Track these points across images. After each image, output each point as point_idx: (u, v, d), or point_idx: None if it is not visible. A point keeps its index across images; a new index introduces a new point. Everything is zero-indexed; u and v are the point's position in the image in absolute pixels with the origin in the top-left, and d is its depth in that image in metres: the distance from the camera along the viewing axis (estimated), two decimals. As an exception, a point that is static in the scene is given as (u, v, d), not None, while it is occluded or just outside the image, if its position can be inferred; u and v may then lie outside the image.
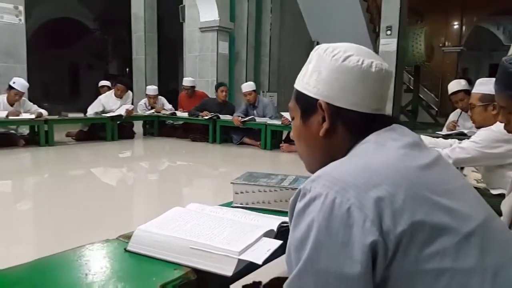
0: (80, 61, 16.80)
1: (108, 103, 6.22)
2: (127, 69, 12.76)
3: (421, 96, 11.38)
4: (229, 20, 8.58)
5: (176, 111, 6.88)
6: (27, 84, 5.28)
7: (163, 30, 11.78)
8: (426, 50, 8.63)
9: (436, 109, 12.59)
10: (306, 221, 0.63)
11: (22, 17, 5.99)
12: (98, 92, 7.05)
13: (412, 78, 10.68)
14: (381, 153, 0.71)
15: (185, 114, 6.60)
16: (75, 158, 5.23)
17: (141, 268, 0.94)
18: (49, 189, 3.69)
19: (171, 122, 6.95)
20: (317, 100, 0.79)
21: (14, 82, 5.13)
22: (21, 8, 5.95)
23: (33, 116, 5.24)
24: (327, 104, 0.78)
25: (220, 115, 6.19)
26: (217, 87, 6.50)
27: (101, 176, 4.47)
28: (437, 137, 2.77)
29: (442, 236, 0.61)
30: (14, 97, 5.21)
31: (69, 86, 17.40)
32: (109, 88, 6.82)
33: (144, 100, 7.22)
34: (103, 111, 6.15)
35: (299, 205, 0.66)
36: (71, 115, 5.84)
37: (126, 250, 1.02)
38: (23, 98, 5.34)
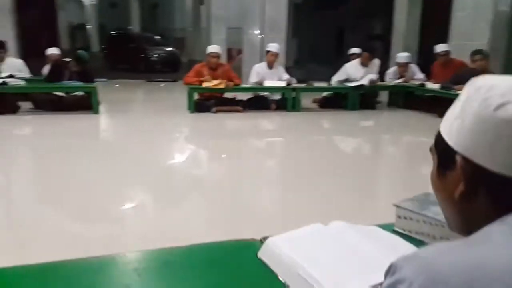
0: (345, 22, 17.47)
1: (353, 71, 6.37)
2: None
3: None
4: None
5: (426, 82, 6.39)
6: (277, 46, 6.24)
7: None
8: None
9: None
10: None
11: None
12: (348, 59, 7.27)
13: None
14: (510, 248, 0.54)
15: (436, 86, 6.05)
16: (316, 125, 5.74)
17: (256, 279, 1.04)
18: (292, 151, 4.41)
19: (421, 93, 6.52)
20: (455, 152, 0.65)
21: (268, 46, 6.26)
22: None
23: (283, 84, 5.99)
24: (466, 161, 0.62)
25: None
26: (471, 55, 5.64)
27: (337, 144, 4.86)
28: None
29: None
30: (270, 58, 6.22)
31: (335, 49, 18.46)
32: (358, 56, 6.92)
33: (393, 68, 7.00)
34: (347, 80, 6.36)
35: (387, 281, 0.61)
36: (317, 83, 6.33)
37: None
38: (279, 66, 6.23)
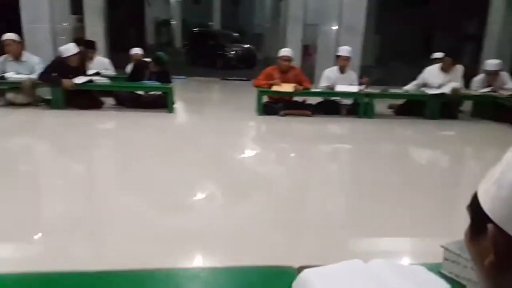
0: (434, 21, 16.51)
1: (431, 77, 6.04)
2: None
3: None
4: None
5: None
6: (349, 49, 6.10)
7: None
8: None
9: None
10: None
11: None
12: (431, 62, 6.91)
13: None
14: None
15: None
16: (388, 133, 5.57)
17: None
18: (359, 159, 4.40)
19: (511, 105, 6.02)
20: (489, 219, 0.61)
21: (339, 51, 6.20)
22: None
23: (355, 89, 5.88)
24: (500, 232, 0.59)
25: None
26: None
27: (410, 155, 4.72)
28: None
29: None
30: (342, 62, 6.12)
31: (421, 49, 17.53)
32: (440, 61, 6.56)
33: (481, 76, 6.52)
34: (425, 85, 6.06)
35: None
36: (393, 89, 6.11)
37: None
38: (351, 71, 6.13)
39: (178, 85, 9.12)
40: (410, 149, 5.03)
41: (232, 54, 16.57)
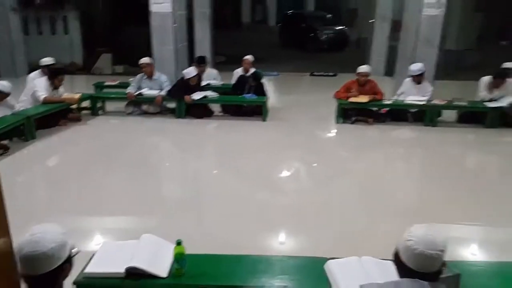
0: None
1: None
2: None
3: None
4: None
5: None
6: (420, 65, 7.30)
7: None
8: None
9: None
10: None
11: (443, 8, 7.55)
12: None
13: None
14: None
15: None
16: (448, 139, 6.77)
17: (318, 278, 2.73)
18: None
19: None
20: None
21: (410, 71, 7.44)
22: (444, 0, 7.50)
23: (423, 101, 7.14)
24: (397, 253, 1.86)
25: None
26: None
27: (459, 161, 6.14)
28: None
29: None
30: (416, 79, 7.35)
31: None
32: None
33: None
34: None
35: None
36: (458, 102, 7.21)
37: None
38: (426, 82, 7.36)
39: (272, 80, 11.00)
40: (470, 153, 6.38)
41: (324, 37, 17.60)
